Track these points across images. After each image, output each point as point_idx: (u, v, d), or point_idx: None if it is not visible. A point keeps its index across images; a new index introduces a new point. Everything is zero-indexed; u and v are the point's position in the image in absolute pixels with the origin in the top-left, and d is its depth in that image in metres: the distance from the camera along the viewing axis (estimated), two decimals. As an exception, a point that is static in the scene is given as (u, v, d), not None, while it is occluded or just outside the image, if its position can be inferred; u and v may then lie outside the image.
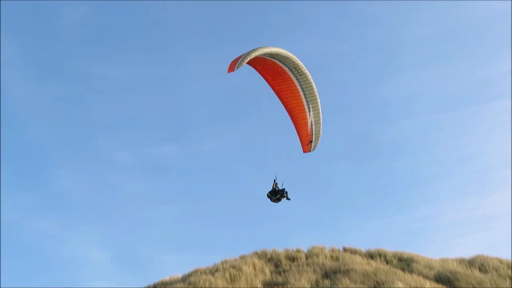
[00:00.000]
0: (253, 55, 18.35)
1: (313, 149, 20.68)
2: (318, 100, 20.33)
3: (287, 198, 20.62)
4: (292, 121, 20.77)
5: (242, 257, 34.05)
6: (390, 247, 36.10)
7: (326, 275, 30.88)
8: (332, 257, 34.33)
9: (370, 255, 35.14)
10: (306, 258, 34.33)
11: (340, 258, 33.96)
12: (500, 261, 33.48)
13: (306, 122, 20.26)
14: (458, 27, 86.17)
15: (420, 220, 72.29)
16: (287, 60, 19.87)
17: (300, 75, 20.01)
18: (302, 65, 19.70)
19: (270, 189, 20.77)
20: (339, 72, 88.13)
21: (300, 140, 20.61)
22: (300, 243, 46.67)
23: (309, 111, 20.20)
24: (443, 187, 76.87)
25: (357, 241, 57.38)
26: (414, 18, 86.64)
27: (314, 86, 20.10)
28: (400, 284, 26.49)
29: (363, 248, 36.35)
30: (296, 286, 28.15)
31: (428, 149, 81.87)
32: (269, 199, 20.68)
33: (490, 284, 28.88)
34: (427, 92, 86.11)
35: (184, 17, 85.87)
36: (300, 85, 20.20)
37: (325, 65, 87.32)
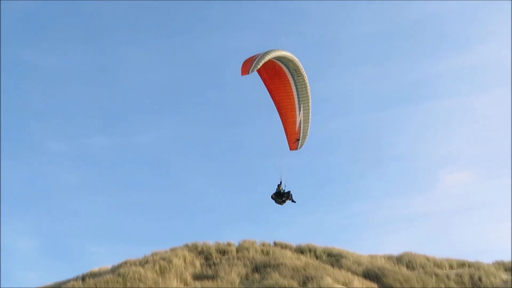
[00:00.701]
0: (267, 58, 18.50)
1: (300, 147, 20.84)
2: (310, 100, 20.62)
3: (293, 201, 20.67)
4: (281, 118, 20.95)
5: (173, 250, 33.99)
6: (321, 242, 36.73)
7: (256, 269, 31.18)
8: (262, 251, 34.66)
9: (300, 250, 35.65)
10: (237, 252, 34.56)
11: (271, 252, 34.33)
12: (427, 258, 34.58)
13: (295, 121, 20.52)
14: (394, 28, 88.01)
15: (351, 217, 73.63)
16: (290, 63, 20.13)
17: (298, 76, 20.31)
18: (302, 67, 20.17)
19: (274, 191, 20.79)
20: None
21: (287, 138, 20.81)
22: (231, 236, 46.93)
23: (299, 111, 20.50)
24: (375, 185, 78.44)
25: (288, 236, 57.99)
26: (350, 18, 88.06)
27: (309, 87, 20.46)
28: (329, 280, 27.00)
29: (294, 243, 36.85)
30: (226, 280, 28.30)
31: (361, 147, 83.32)
32: (274, 201, 20.68)
33: (417, 281, 29.79)
34: (361, 91, 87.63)
35: (121, 7, 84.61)
36: (296, 85, 20.43)
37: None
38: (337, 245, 36.30)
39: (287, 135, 20.83)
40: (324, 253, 35.23)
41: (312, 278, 27.65)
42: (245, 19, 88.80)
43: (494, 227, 69.92)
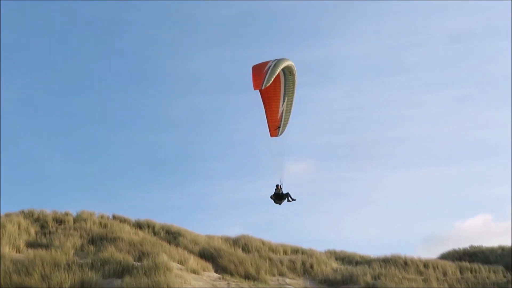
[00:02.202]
0: (278, 70, 19.52)
1: (280, 134, 22.00)
2: (295, 94, 21.68)
3: (293, 200, 22.05)
4: (264, 107, 21.87)
5: (8, 215, 33.19)
6: (161, 219, 37.22)
7: (92, 240, 31.25)
8: (100, 223, 34.68)
9: (139, 225, 36.00)
10: (74, 222, 34.32)
11: (109, 225, 34.44)
12: (263, 242, 36.13)
13: (278, 110, 21.64)
14: (250, 12, 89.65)
15: (193, 196, 74.70)
16: (289, 67, 21.02)
17: (290, 75, 21.27)
18: (296, 70, 21.19)
19: (273, 192, 22.07)
20: (129, 41, 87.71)
21: (268, 125, 21.90)
22: (70, 206, 46.35)
23: (283, 102, 21.61)
24: (217, 166, 79.97)
25: (129, 211, 57.98)
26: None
27: (296, 83, 21.46)
28: (165, 257, 27.61)
29: (133, 218, 37.09)
30: (60, 249, 28.16)
31: (209, 128, 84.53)
32: (273, 201, 22.01)
33: (251, 263, 31.18)
34: (213, 73, 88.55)
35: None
36: (285, 81, 21.39)
37: (113, 33, 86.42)
38: (177, 223, 37.02)
39: (268, 123, 21.97)
40: (163, 230, 35.81)
41: (148, 254, 28.13)
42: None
43: (328, 217, 73.59)
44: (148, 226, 36.05)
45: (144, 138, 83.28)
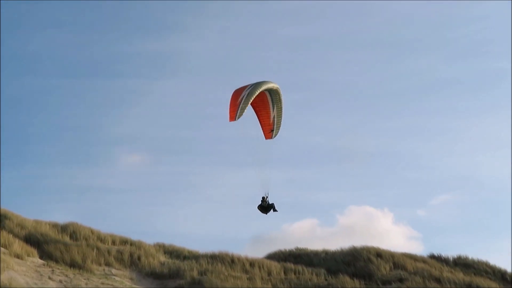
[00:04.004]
0: (250, 100, 21.96)
1: (274, 137, 24.20)
2: (282, 104, 23.95)
3: (275, 210, 24.18)
4: (257, 115, 24.22)
5: None
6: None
7: None
8: None
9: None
10: None
11: None
12: (92, 231, 36.21)
13: (269, 116, 23.90)
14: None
15: (22, 179, 72.57)
16: (270, 89, 23.36)
17: (274, 93, 23.64)
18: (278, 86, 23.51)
19: (259, 203, 24.05)
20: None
21: (263, 129, 24.14)
22: None
23: (273, 109, 23.86)
24: (52, 151, 78.10)
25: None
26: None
27: (281, 97, 23.72)
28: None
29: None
30: None
31: (45, 110, 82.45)
32: (260, 211, 23.99)
33: (77, 252, 31.34)
34: (54, 55, 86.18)
35: None
36: (270, 94, 23.65)
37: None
38: (3, 206, 36.18)
39: (262, 127, 24.18)
40: (-13, 211, 34.96)
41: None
42: None
43: (161, 210, 74.21)
44: (-29, 207, 35.06)
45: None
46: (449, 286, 35.30)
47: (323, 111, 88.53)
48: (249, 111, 22.97)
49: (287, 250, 41.61)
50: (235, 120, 21.82)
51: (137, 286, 31.19)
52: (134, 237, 37.72)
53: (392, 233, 66.95)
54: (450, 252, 43.23)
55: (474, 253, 44.34)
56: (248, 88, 22.15)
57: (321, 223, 73.20)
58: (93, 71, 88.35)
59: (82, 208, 68.23)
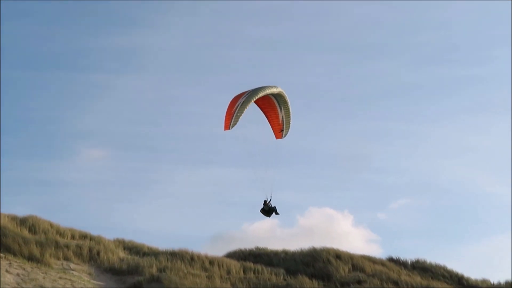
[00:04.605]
0: (245, 109, 21.98)
1: (284, 136, 24.51)
2: (289, 105, 24.00)
3: (277, 213, 24.14)
4: (266, 116, 24.49)
5: None
6: None
7: None
8: None
9: None
10: None
11: None
12: (51, 225, 36.14)
13: (278, 116, 24.26)
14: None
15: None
16: (273, 94, 23.33)
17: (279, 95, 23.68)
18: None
19: (262, 207, 24.09)
20: None
21: (273, 129, 24.50)
22: None
23: (281, 110, 24.09)
24: (13, 142, 77.54)
25: None
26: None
27: (287, 98, 23.77)
28: None
29: None
30: None
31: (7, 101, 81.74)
32: (263, 214, 24.12)
33: (36, 245, 31.30)
34: (24, 45, 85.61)
35: None
36: (275, 96, 23.69)
37: None
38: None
39: (272, 127, 24.53)
40: None
41: None
42: None
43: (122, 206, 74.05)
44: None
45: None
46: (406, 289, 36.04)
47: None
48: (255, 115, 23.64)
49: (247, 249, 41.98)
50: (229, 129, 22.30)
51: (95, 282, 31.26)
52: (93, 232, 37.78)
53: (351, 236, 67.53)
54: (409, 255, 43.84)
55: (432, 258, 44.97)
56: (245, 96, 22.56)
57: (281, 223, 73.56)
58: (57, 64, 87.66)
59: (42, 201, 67.81)
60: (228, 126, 22.36)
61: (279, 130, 24.82)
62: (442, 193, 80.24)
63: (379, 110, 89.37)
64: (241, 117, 22.29)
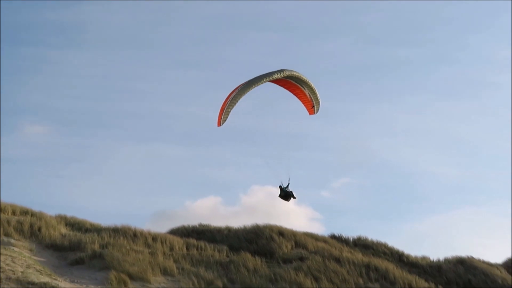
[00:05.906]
0: (234, 105, 22.26)
1: (316, 112, 25.10)
2: (308, 82, 24.10)
3: (294, 197, 24.45)
4: (293, 94, 24.77)
5: None
6: None
7: None
8: None
9: None
10: None
11: None
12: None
13: (305, 94, 24.48)
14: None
15: None
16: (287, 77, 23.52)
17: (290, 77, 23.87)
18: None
19: (280, 193, 24.37)
20: None
21: (304, 105, 24.92)
22: None
23: (304, 88, 24.31)
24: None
25: None
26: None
27: (299, 74, 23.76)
28: None
29: None
30: None
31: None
32: (282, 199, 24.40)
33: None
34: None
35: None
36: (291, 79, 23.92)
37: None
38: None
39: (304, 103, 24.96)
40: None
41: None
42: None
43: (64, 182, 73.66)
44: None
45: None
46: (348, 265, 36.96)
47: (229, 90, 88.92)
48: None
49: (190, 226, 42.47)
50: (220, 125, 22.73)
51: (36, 258, 31.31)
52: (35, 208, 37.74)
53: (294, 214, 68.65)
54: (351, 233, 44.96)
55: (374, 235, 46.28)
56: (238, 90, 22.84)
57: (224, 201, 74.33)
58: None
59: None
60: (219, 122, 22.85)
61: (311, 106, 25.47)
62: (384, 172, 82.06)
63: (322, 89, 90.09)
64: (230, 112, 22.76)
